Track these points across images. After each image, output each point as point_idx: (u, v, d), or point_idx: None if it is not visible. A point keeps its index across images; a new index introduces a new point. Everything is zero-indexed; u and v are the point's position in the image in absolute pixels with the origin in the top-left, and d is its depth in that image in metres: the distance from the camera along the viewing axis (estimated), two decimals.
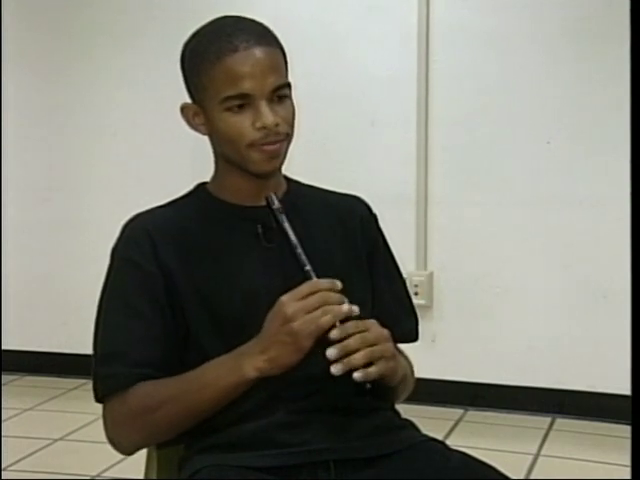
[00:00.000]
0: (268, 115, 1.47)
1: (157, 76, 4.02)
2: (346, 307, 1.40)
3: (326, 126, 3.82)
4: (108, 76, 4.16)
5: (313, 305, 1.39)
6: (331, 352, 1.38)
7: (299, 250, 1.46)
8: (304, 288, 1.41)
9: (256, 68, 1.46)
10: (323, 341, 1.39)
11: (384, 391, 1.52)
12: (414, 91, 3.77)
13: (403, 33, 3.77)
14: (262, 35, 1.50)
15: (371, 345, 1.40)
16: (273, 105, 1.49)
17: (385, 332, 1.44)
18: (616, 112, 3.40)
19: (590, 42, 3.61)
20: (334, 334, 1.38)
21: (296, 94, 1.55)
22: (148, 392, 1.46)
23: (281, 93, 1.50)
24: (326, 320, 1.38)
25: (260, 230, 1.55)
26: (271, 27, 1.56)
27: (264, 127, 1.48)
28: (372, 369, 1.39)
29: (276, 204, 1.49)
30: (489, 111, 3.74)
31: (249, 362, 1.41)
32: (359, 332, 1.39)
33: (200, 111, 1.53)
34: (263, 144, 1.49)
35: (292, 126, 1.53)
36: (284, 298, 1.40)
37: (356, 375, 1.38)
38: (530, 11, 3.67)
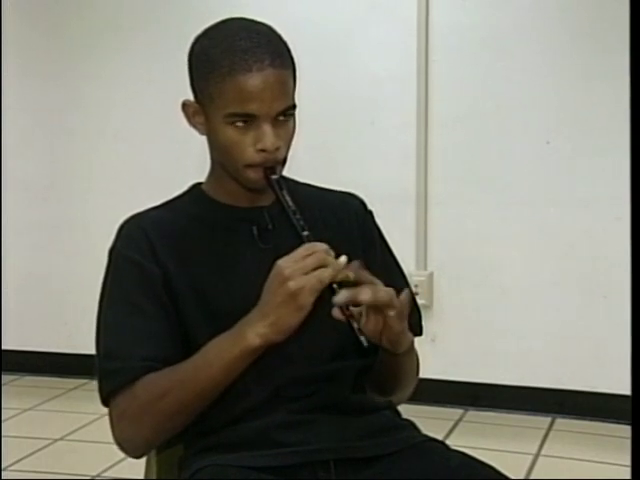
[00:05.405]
0: (270, 138, 1.47)
1: (157, 76, 4.03)
2: (344, 259, 1.40)
3: (326, 126, 3.82)
4: (108, 76, 4.16)
5: (310, 265, 1.38)
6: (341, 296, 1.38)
7: (298, 216, 1.47)
8: (301, 250, 1.40)
9: (266, 92, 1.46)
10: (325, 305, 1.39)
11: (388, 357, 1.51)
12: (414, 91, 3.77)
13: (403, 33, 3.77)
14: (277, 54, 1.48)
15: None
16: (276, 127, 1.49)
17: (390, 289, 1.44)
18: (616, 112, 3.39)
19: (590, 42, 3.60)
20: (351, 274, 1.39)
21: (296, 94, 1.54)
22: (154, 381, 1.45)
23: (286, 114, 1.50)
24: (328, 273, 1.38)
25: (256, 232, 1.56)
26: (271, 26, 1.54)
27: (264, 150, 1.48)
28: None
29: (275, 176, 1.50)
30: (489, 111, 3.73)
31: (251, 330, 1.40)
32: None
33: (201, 111, 1.53)
34: (261, 166, 1.50)
35: (290, 146, 1.53)
36: (281, 261, 1.40)
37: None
38: (530, 11, 3.67)
